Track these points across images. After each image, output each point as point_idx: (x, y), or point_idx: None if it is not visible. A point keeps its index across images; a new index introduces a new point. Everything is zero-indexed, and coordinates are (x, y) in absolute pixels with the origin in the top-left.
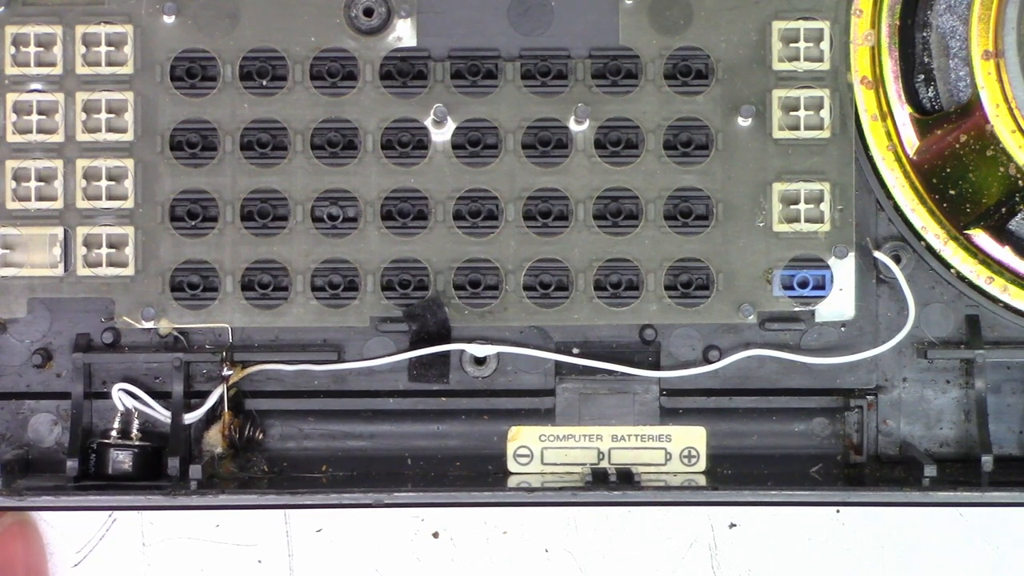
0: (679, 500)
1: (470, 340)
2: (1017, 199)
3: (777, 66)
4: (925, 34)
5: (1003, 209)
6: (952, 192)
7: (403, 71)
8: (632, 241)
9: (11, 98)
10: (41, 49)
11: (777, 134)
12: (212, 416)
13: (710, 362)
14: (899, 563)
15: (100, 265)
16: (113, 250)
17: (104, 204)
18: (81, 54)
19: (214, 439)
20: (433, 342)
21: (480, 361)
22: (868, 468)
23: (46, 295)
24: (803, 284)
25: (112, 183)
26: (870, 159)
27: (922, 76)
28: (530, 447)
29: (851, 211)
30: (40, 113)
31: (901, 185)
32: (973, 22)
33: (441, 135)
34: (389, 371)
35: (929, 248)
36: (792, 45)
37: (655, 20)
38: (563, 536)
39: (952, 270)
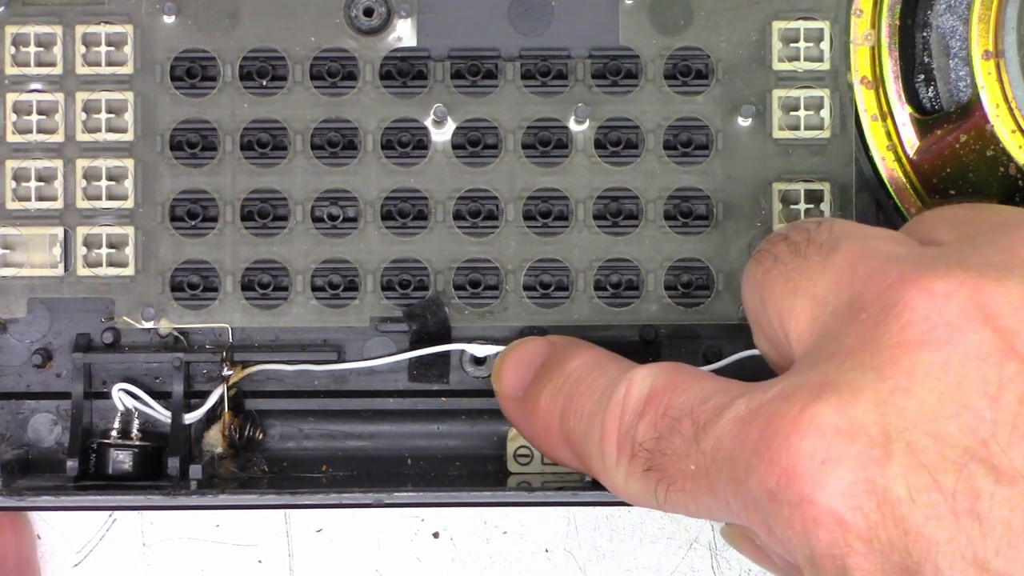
0: None
1: (470, 340)
2: (1017, 199)
3: (777, 66)
4: (925, 34)
5: None
6: (952, 192)
7: (403, 71)
8: (632, 241)
9: (11, 98)
10: (41, 49)
11: (777, 134)
12: (212, 416)
13: (710, 362)
14: None
15: (100, 265)
16: (113, 250)
17: (104, 204)
18: (81, 54)
19: (214, 439)
20: (433, 342)
21: (480, 361)
22: None
23: (46, 295)
24: None
25: (112, 183)
26: (870, 159)
27: (922, 76)
28: (530, 447)
29: (851, 211)
30: (40, 113)
31: (901, 185)
32: (973, 22)
33: (441, 135)
34: (389, 371)
35: None
36: (792, 45)
37: (655, 20)
38: (563, 536)
39: None
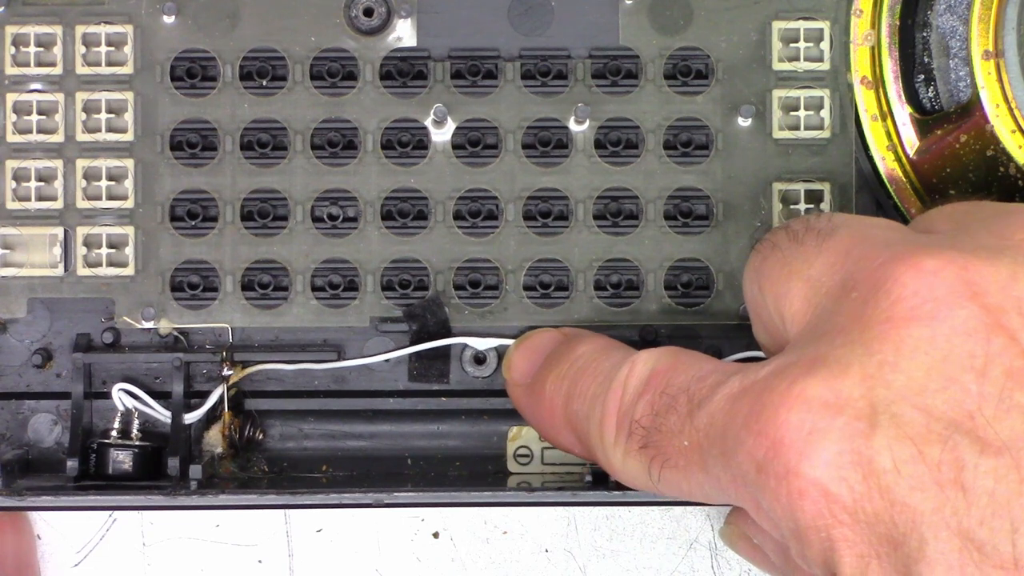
0: (679, 500)
1: None
2: (1017, 199)
3: (777, 66)
4: (925, 34)
5: None
6: (952, 192)
7: (403, 71)
8: (632, 241)
9: (11, 98)
10: (41, 49)
11: (777, 134)
12: (212, 416)
13: None
14: None
15: (100, 265)
16: (113, 250)
17: (104, 204)
18: (81, 54)
19: (214, 439)
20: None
21: (480, 361)
22: None
23: (46, 295)
24: None
25: (112, 183)
26: (870, 159)
27: (922, 76)
28: (530, 447)
29: (851, 211)
30: (40, 113)
31: (901, 185)
32: (973, 22)
33: (441, 135)
34: (389, 371)
35: None
36: (792, 45)
37: (655, 20)
38: (563, 536)
39: None
